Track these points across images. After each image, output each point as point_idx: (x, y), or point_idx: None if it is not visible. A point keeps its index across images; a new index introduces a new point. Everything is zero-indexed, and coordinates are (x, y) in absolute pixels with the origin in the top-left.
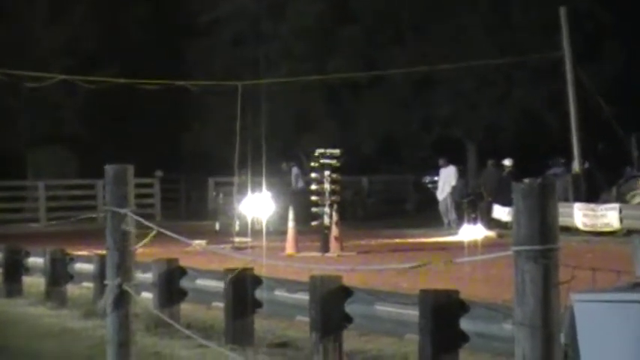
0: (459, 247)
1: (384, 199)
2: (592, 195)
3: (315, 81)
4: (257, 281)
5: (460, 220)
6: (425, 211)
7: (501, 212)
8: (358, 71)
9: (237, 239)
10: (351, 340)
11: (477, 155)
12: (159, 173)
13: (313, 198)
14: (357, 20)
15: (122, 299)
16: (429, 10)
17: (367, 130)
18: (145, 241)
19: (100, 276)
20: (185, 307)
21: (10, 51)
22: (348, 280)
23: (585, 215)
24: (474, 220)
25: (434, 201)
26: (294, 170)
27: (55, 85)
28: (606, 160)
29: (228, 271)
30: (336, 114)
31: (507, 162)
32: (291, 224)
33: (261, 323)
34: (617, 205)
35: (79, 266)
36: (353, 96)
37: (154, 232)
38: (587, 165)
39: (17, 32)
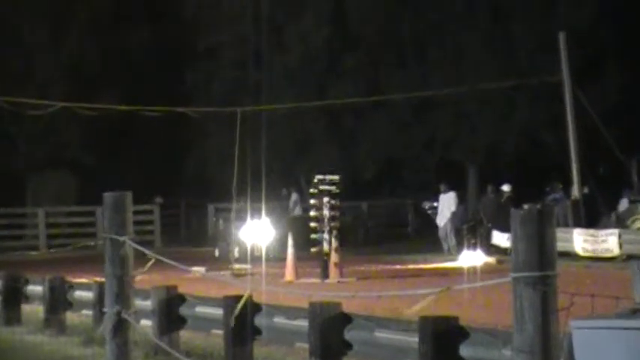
0: (458, 273)
1: (384, 223)
2: (592, 220)
3: (316, 105)
4: (256, 308)
5: (460, 246)
6: (425, 236)
7: (500, 238)
8: (360, 94)
9: (236, 266)
10: None
11: (478, 179)
12: (158, 200)
13: (312, 224)
14: (358, 44)
15: (121, 327)
16: (430, 33)
17: (368, 153)
18: (145, 269)
19: (99, 303)
20: (184, 335)
21: (10, 76)
22: (348, 307)
23: (585, 241)
24: (474, 246)
25: (434, 225)
26: (294, 196)
27: (55, 111)
28: (606, 184)
29: (228, 298)
30: (337, 137)
31: (506, 187)
32: (290, 250)
33: (260, 350)
34: (616, 231)
35: (78, 294)
36: (354, 119)
37: (152, 260)
38: (586, 190)
39: (18, 57)
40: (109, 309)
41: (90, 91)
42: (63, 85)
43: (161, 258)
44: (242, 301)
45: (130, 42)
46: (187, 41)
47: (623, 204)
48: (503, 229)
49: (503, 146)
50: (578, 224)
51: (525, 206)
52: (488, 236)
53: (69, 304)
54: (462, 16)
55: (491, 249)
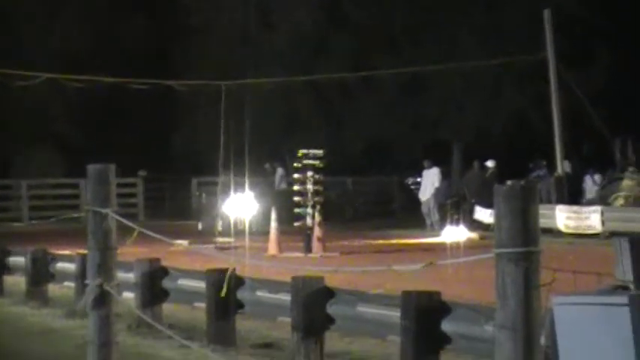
0: (441, 248)
1: (369, 200)
2: (576, 197)
3: (304, 83)
4: (239, 282)
5: (443, 222)
6: (411, 212)
7: (483, 214)
8: (348, 74)
9: (219, 239)
10: (334, 342)
11: (463, 157)
12: (142, 173)
13: (296, 198)
14: (347, 24)
15: (103, 299)
16: (419, 13)
17: (356, 132)
18: (130, 241)
19: (81, 276)
20: (167, 307)
21: None
22: (331, 281)
23: (568, 218)
24: (457, 222)
25: (419, 202)
26: (280, 171)
27: (43, 87)
28: (590, 163)
29: (211, 271)
30: (324, 116)
31: (490, 163)
32: (273, 224)
33: (243, 324)
34: (599, 208)
35: (61, 265)
36: (342, 98)
37: (136, 232)
38: (568, 169)
39: (6, 35)
40: (91, 281)
41: (79, 70)
42: (52, 65)
43: (144, 230)
44: (227, 279)
45: (120, 22)
46: (177, 21)
47: (587, 183)
48: (487, 204)
49: (491, 126)
50: (561, 201)
51: (509, 182)
52: (472, 212)
53: (51, 276)
54: None
55: (474, 224)
